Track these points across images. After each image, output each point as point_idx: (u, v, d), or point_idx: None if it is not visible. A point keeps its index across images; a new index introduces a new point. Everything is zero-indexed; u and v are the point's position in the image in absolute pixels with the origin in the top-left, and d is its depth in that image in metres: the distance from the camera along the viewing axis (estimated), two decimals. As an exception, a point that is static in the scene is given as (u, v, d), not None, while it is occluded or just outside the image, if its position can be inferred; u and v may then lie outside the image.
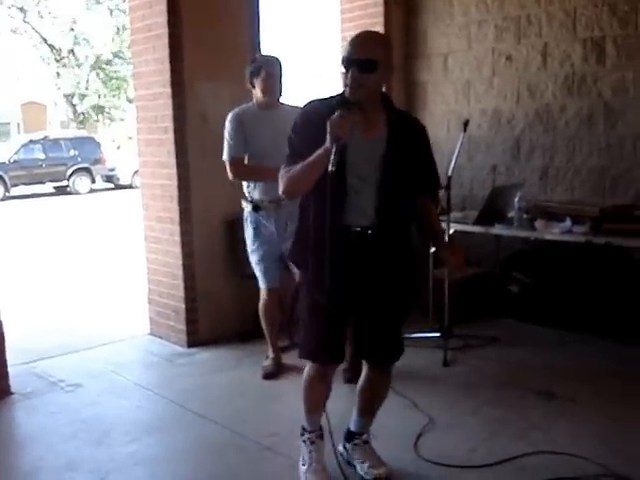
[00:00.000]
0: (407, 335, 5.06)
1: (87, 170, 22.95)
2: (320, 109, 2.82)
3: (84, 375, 4.79)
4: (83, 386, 4.61)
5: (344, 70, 2.75)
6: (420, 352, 4.91)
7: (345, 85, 2.77)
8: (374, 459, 3.31)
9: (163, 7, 4.93)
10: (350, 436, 3.38)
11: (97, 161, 23.28)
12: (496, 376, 4.59)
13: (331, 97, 2.89)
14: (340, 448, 3.39)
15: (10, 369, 4.51)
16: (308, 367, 3.16)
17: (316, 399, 3.16)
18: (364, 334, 3.11)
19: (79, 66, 32.65)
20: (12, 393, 4.44)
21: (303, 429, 3.29)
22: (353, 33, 6.30)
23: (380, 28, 6.21)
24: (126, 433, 3.86)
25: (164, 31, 4.96)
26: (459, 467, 3.35)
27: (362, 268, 2.91)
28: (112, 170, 23.60)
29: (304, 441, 3.28)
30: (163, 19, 4.95)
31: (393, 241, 2.95)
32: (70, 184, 22.60)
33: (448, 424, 3.85)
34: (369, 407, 3.32)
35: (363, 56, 2.72)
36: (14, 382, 4.50)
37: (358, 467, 3.31)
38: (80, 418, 4.09)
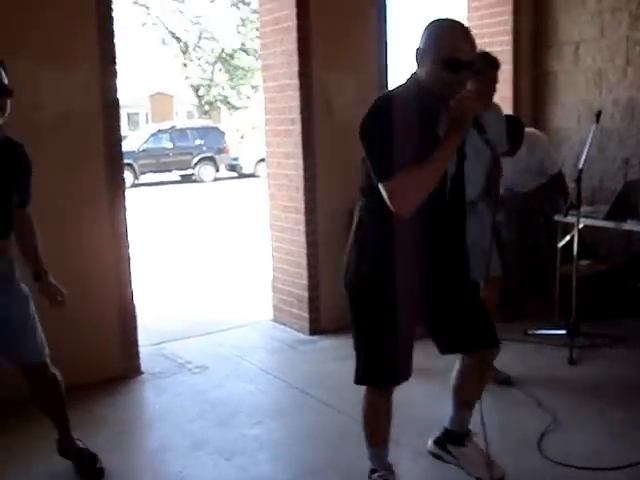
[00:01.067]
0: (532, 332, 5.05)
1: (212, 159, 23.62)
2: (402, 101, 2.59)
3: (210, 358, 4.96)
4: (209, 368, 4.77)
5: (448, 71, 2.53)
6: (545, 349, 4.80)
7: (450, 89, 2.58)
8: (486, 458, 3.11)
9: (291, 0, 5.00)
10: (454, 437, 3.20)
11: (221, 150, 23.92)
12: (624, 377, 4.41)
13: (401, 87, 2.69)
14: (430, 446, 3.28)
15: (141, 349, 4.73)
16: (370, 392, 2.95)
17: (383, 426, 2.99)
18: (450, 326, 2.92)
19: (204, 58, 33.61)
20: (142, 373, 4.66)
21: (372, 471, 3.05)
22: (479, 23, 6.22)
23: (509, 17, 6.08)
24: (250, 416, 3.98)
25: (292, 24, 5.03)
26: (584, 469, 3.25)
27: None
28: (235, 159, 24.14)
29: None
30: (292, 12, 5.02)
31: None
32: (195, 172, 23.32)
33: (573, 424, 3.74)
34: (470, 399, 3.09)
35: (474, 57, 2.58)
36: (144, 362, 4.72)
37: (470, 468, 3.16)
38: (206, 399, 4.25)
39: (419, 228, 2.58)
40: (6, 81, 2.93)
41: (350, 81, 5.22)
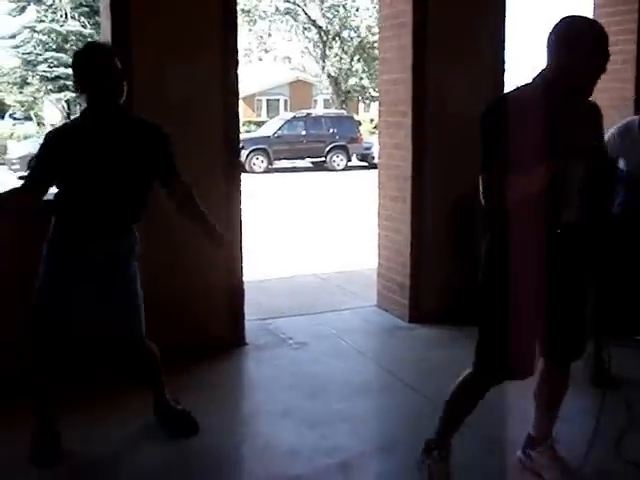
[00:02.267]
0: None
1: (344, 148, 23.96)
2: (520, 99, 2.72)
3: (311, 336, 5.22)
4: (308, 345, 5.03)
5: (599, 67, 2.64)
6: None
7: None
8: (562, 465, 3.19)
9: (410, -6, 5.15)
10: (533, 442, 3.26)
11: (354, 140, 24.21)
12: None
13: (526, 86, 2.79)
14: (519, 454, 3.32)
15: (247, 323, 5.05)
16: (480, 380, 3.03)
17: (468, 411, 3.09)
18: (557, 331, 2.97)
19: (344, 48, 34.04)
20: (246, 344, 4.98)
21: (431, 447, 3.14)
22: (604, 21, 6.10)
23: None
24: (338, 391, 4.21)
25: (409, 19, 5.18)
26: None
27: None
28: (368, 149, 24.28)
29: (431, 457, 3.13)
30: (409, 7, 5.17)
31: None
32: (327, 160, 23.75)
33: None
34: (551, 406, 3.18)
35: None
36: (249, 335, 5.03)
37: (546, 474, 3.19)
38: (301, 372, 4.52)
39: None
40: (120, 66, 3.24)
41: (465, 77, 5.30)
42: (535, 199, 2.65)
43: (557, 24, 2.69)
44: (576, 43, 2.61)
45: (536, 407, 3.22)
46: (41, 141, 3.28)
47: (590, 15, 6.36)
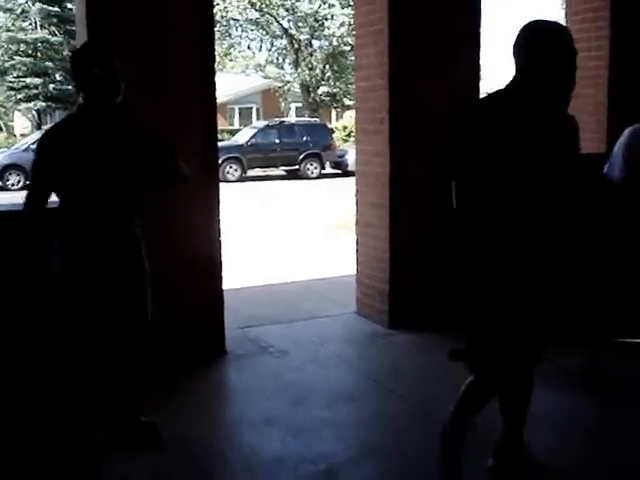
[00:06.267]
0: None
1: (317, 156, 23.96)
2: (492, 106, 2.77)
3: (292, 344, 5.20)
4: (289, 353, 5.01)
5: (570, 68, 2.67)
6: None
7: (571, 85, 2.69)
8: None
9: (385, 3, 5.17)
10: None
11: (327, 147, 24.22)
12: None
13: (496, 93, 2.80)
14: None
15: (227, 332, 5.02)
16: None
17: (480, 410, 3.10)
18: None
19: (315, 56, 34.16)
20: (227, 353, 4.94)
21: (452, 428, 3.12)
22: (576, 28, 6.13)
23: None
24: (321, 399, 4.20)
25: (385, 26, 5.20)
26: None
27: None
28: (341, 157, 24.29)
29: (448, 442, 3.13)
30: (385, 14, 5.19)
31: None
32: (301, 168, 23.74)
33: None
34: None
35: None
36: (230, 343, 5.00)
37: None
38: (283, 381, 4.49)
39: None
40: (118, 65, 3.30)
41: (442, 82, 5.33)
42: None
43: (521, 29, 2.70)
44: (537, 47, 2.62)
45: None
46: (35, 146, 3.35)
47: (562, 20, 6.45)
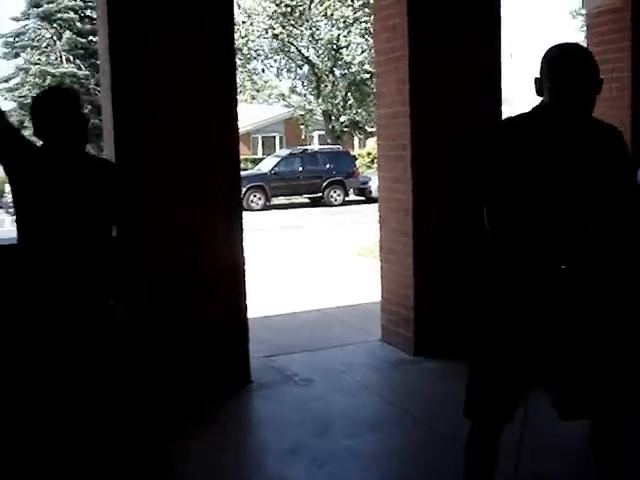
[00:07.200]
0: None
1: (341, 183, 24.05)
2: (515, 128, 2.69)
3: (316, 372, 5.17)
4: (314, 381, 4.99)
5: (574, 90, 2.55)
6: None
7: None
8: None
9: (405, 30, 5.20)
10: None
11: (350, 174, 24.31)
12: None
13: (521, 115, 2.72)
14: None
15: (252, 361, 5.00)
16: (471, 426, 2.83)
17: (479, 464, 2.84)
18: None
19: (337, 84, 34.40)
20: (252, 382, 4.93)
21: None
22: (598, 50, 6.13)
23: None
24: (347, 428, 4.17)
25: (405, 53, 5.22)
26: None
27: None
28: (365, 183, 24.34)
29: None
30: (405, 41, 5.22)
31: None
32: (325, 196, 23.82)
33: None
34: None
35: None
36: (254, 372, 4.98)
37: None
38: (308, 409, 4.47)
39: None
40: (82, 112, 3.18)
41: (462, 108, 5.33)
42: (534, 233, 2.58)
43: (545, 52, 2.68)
44: (541, 68, 2.60)
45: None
46: None
47: (583, 42, 6.44)
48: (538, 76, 2.64)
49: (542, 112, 2.64)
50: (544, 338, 2.59)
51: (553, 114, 2.60)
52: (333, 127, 35.25)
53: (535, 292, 2.58)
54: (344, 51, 33.46)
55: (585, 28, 6.48)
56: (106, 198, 3.21)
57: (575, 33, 26.87)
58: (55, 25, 33.45)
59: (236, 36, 21.29)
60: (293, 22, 32.68)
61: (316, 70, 34.47)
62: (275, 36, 33.02)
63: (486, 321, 2.72)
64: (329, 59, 33.99)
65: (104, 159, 3.37)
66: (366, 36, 31.20)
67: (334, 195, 23.92)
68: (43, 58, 33.56)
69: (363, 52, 32.82)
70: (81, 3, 33.57)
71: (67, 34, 32.84)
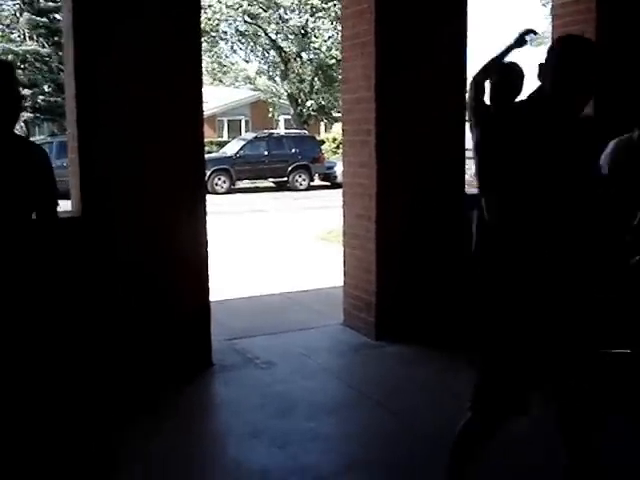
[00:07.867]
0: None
1: (306, 167, 24.02)
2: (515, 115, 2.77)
3: (278, 355, 5.19)
4: (276, 365, 5.00)
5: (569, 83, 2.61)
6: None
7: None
8: None
9: (371, 16, 5.20)
10: None
11: (316, 159, 24.27)
12: None
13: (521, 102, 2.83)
14: None
15: (214, 343, 5.01)
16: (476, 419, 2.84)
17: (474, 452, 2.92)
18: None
19: (304, 69, 34.30)
20: (213, 364, 4.93)
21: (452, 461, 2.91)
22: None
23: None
24: (308, 410, 4.19)
25: (371, 38, 5.23)
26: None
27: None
28: (330, 168, 24.31)
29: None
30: (371, 26, 5.22)
31: None
32: (290, 180, 23.78)
33: None
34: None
35: None
36: (216, 355, 4.99)
37: None
38: (269, 392, 4.48)
39: None
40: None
41: (428, 93, 5.37)
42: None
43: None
44: (553, 58, 2.66)
45: None
46: None
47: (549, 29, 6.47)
48: (543, 62, 2.69)
49: (540, 103, 2.70)
50: (545, 330, 2.66)
51: (550, 107, 2.66)
52: (300, 111, 35.16)
53: (530, 281, 2.64)
54: (312, 36, 33.35)
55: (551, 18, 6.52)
56: (27, 180, 3.07)
57: (543, 20, 26.99)
58: (18, 1, 32.74)
59: (203, 17, 21.10)
60: (261, 5, 32.48)
61: (283, 54, 34.31)
62: (245, 12, 32.65)
63: (496, 315, 2.72)
64: (297, 44, 33.85)
65: (30, 141, 3.17)
66: (334, 22, 31.11)
67: (299, 180, 23.89)
68: (5, 35, 32.84)
69: (330, 38, 32.74)
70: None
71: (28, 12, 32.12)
